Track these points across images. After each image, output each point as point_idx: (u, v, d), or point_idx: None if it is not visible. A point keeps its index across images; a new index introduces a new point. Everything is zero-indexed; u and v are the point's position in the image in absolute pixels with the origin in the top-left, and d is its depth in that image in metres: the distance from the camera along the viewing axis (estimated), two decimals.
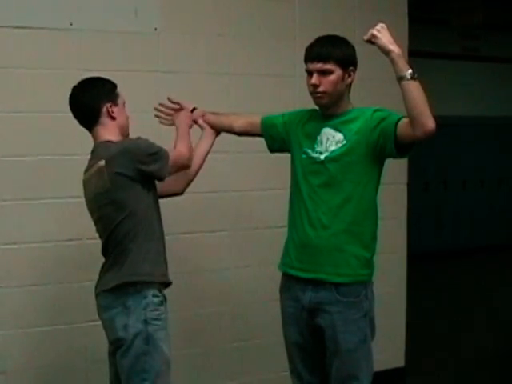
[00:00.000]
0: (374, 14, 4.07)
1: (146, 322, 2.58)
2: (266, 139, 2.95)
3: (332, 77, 2.64)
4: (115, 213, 2.61)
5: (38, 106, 3.29)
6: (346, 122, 2.69)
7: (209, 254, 3.74)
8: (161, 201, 3.54)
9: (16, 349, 3.31)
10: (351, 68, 2.69)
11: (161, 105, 3.10)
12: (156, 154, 2.63)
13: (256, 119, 2.98)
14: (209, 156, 3.67)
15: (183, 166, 2.80)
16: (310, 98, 2.74)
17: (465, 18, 7.40)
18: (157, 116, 3.11)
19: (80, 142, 3.37)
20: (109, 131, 2.71)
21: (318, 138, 2.71)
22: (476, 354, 4.93)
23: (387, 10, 4.14)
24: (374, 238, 2.74)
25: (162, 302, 2.65)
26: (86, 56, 3.35)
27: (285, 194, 2.92)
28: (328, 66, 2.63)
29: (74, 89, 2.74)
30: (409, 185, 4.33)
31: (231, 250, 3.81)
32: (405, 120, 2.54)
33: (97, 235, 3.43)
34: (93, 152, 2.72)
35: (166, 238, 3.58)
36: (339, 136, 2.67)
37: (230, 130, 3.06)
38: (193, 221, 3.67)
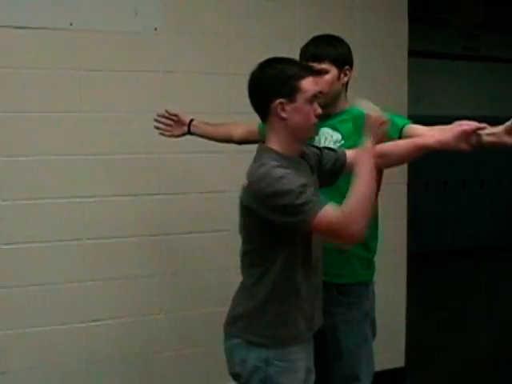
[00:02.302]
0: (374, 14, 4.10)
1: (267, 360, 2.23)
2: None
3: (327, 76, 2.65)
4: None
5: (38, 106, 3.29)
6: (344, 122, 2.69)
7: (209, 254, 3.74)
8: (159, 200, 3.57)
9: (16, 349, 3.31)
10: (347, 67, 2.69)
11: (160, 116, 3.10)
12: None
13: (254, 127, 2.98)
14: (209, 156, 3.69)
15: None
16: None
17: (465, 18, 7.40)
18: (157, 127, 3.11)
19: (80, 142, 3.39)
20: (275, 133, 2.24)
21: (316, 138, 2.71)
22: (476, 354, 4.93)
23: (387, 10, 4.14)
24: (374, 238, 2.74)
25: (291, 343, 2.28)
26: (86, 56, 3.35)
27: None
28: (323, 66, 2.64)
29: (252, 72, 2.29)
30: (409, 185, 4.32)
31: (231, 250, 3.79)
32: (410, 126, 2.54)
33: (96, 235, 3.45)
34: (257, 150, 2.31)
35: (166, 237, 3.61)
36: (337, 135, 2.68)
37: (229, 140, 3.08)
38: (193, 221, 3.67)
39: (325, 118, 2.72)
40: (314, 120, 2.26)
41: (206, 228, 3.71)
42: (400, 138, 2.54)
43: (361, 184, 2.12)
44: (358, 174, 2.15)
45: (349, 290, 2.67)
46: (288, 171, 2.13)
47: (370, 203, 2.11)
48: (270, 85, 2.20)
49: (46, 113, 3.31)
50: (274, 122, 2.23)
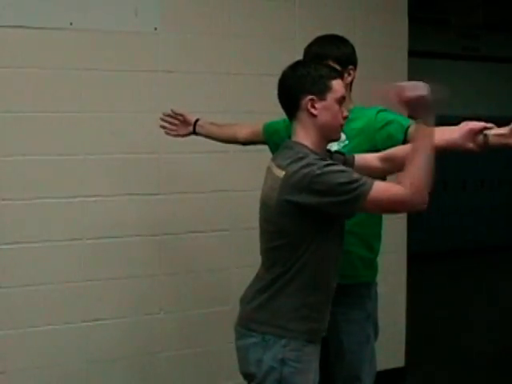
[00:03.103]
0: (374, 14, 4.10)
1: (282, 361, 2.22)
2: (269, 146, 2.95)
3: None
4: None
5: (38, 106, 3.29)
6: (348, 122, 2.67)
7: (209, 254, 3.74)
8: (159, 200, 3.57)
9: (16, 349, 3.30)
10: (351, 67, 2.68)
11: (165, 115, 3.10)
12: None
13: (258, 128, 2.98)
14: (208, 156, 3.68)
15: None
16: None
17: (465, 18, 7.40)
18: (162, 127, 3.11)
19: (80, 141, 3.39)
20: (304, 130, 2.27)
21: None
22: (476, 354, 4.93)
23: (387, 10, 4.14)
24: (377, 238, 2.74)
25: (309, 339, 2.28)
26: (86, 56, 3.35)
27: None
28: (325, 64, 2.63)
29: (284, 71, 2.32)
30: None
31: (231, 250, 3.80)
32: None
33: (96, 235, 3.45)
34: (286, 147, 2.32)
35: (167, 237, 3.61)
36: (341, 136, 2.67)
37: (234, 141, 3.08)
38: (193, 221, 3.67)
39: None
40: (342, 121, 2.31)
41: (206, 228, 3.71)
42: (405, 137, 2.53)
43: (421, 156, 2.15)
44: (417, 147, 2.16)
45: (351, 291, 2.66)
46: (330, 162, 2.18)
47: (430, 174, 2.17)
48: (302, 82, 2.25)
49: (46, 113, 3.31)
50: (303, 118, 2.26)
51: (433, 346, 5.07)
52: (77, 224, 3.39)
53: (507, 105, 8.24)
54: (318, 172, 2.11)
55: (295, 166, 2.16)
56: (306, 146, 2.25)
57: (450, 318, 5.88)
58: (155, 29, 3.52)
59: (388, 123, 2.59)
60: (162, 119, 3.11)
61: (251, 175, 3.81)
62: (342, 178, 2.11)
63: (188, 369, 3.69)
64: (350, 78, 2.69)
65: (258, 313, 2.28)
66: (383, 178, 2.45)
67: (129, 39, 3.46)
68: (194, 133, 3.10)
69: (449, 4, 7.32)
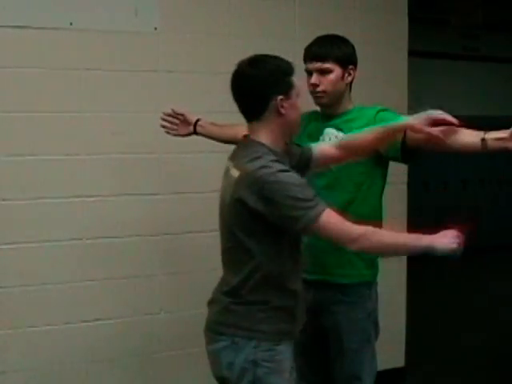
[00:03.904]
0: (374, 14, 4.10)
1: (255, 362, 2.20)
2: None
3: (331, 76, 2.64)
4: None
5: (38, 106, 3.29)
6: (348, 122, 2.69)
7: (209, 254, 3.73)
8: (159, 200, 3.56)
9: (16, 349, 3.30)
10: (351, 67, 2.68)
11: (166, 114, 3.10)
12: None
13: None
14: (208, 156, 3.68)
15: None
16: (310, 98, 2.74)
17: (465, 18, 7.40)
18: (163, 126, 3.11)
19: (80, 141, 3.39)
20: (269, 130, 2.23)
21: (321, 138, 2.71)
22: (476, 354, 4.93)
23: (387, 9, 4.14)
24: None
25: (280, 339, 2.27)
26: (86, 56, 3.35)
27: None
28: (327, 65, 2.63)
29: (240, 68, 2.25)
30: (409, 185, 4.32)
31: None
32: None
33: (96, 235, 3.45)
34: (244, 147, 2.30)
35: (167, 237, 3.60)
36: (341, 136, 2.67)
37: (235, 141, 3.06)
38: (193, 221, 3.67)
39: (329, 118, 2.73)
40: (300, 117, 2.32)
41: (205, 228, 3.70)
42: (405, 137, 2.53)
43: (400, 246, 2.24)
44: (408, 240, 2.27)
45: (352, 290, 2.67)
46: (287, 167, 2.16)
47: (386, 254, 2.22)
48: (270, 81, 2.19)
49: (46, 113, 3.31)
50: (270, 118, 2.22)
51: (433, 346, 5.07)
52: (77, 224, 3.39)
53: (507, 105, 8.24)
54: (272, 179, 2.09)
55: (250, 167, 2.14)
56: (264, 145, 2.22)
57: (450, 318, 5.87)
58: (155, 29, 3.52)
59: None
60: (163, 118, 3.11)
61: None
62: (295, 192, 2.09)
63: (188, 369, 3.69)
64: (350, 78, 2.70)
65: (225, 316, 2.27)
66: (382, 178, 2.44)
67: (129, 39, 3.46)
68: (195, 133, 3.10)
69: (449, 4, 7.32)
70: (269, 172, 2.10)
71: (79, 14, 3.33)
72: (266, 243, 2.19)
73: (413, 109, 4.16)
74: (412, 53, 4.33)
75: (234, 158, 2.32)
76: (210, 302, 2.38)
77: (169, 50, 3.56)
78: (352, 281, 2.67)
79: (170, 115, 3.10)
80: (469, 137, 2.38)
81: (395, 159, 2.64)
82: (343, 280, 2.66)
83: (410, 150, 2.56)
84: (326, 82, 2.64)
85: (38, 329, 3.34)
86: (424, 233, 2.23)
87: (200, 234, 3.69)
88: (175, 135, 3.12)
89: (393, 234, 2.20)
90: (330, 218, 2.11)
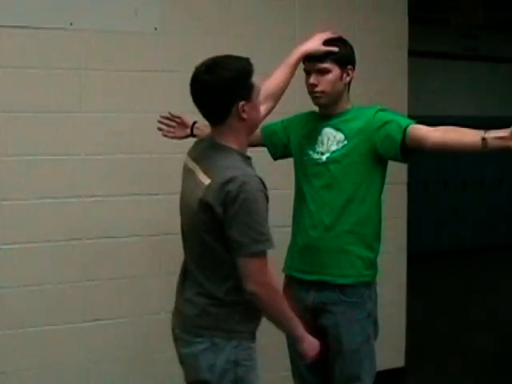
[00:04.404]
0: (374, 14, 4.10)
1: (236, 362, 2.22)
2: (268, 147, 2.95)
3: (330, 76, 2.64)
4: None
5: (38, 106, 3.29)
6: (347, 121, 2.69)
7: None
8: (159, 200, 3.56)
9: (16, 349, 3.30)
10: (349, 67, 2.68)
11: (162, 117, 3.10)
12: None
13: (258, 130, 2.98)
14: None
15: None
16: (309, 98, 2.74)
17: (465, 18, 7.40)
18: (160, 129, 3.11)
19: (80, 141, 3.39)
20: (234, 133, 2.25)
21: (319, 138, 2.71)
22: (476, 354, 4.93)
23: (387, 10, 4.14)
24: (377, 238, 2.74)
25: (254, 337, 2.31)
26: (86, 56, 3.35)
27: (285, 195, 2.91)
28: (325, 65, 2.63)
29: (199, 73, 2.25)
30: (409, 185, 4.32)
31: None
32: (414, 126, 2.54)
33: (96, 235, 3.45)
34: (210, 148, 2.29)
35: (167, 237, 3.60)
36: (340, 136, 2.67)
37: None
38: None
39: (327, 118, 2.73)
40: (260, 116, 2.38)
41: None
42: (404, 138, 2.53)
43: (287, 317, 2.28)
44: (294, 318, 2.29)
45: (352, 291, 2.67)
46: (263, 188, 2.21)
47: (271, 313, 2.24)
48: (231, 88, 2.20)
49: (46, 113, 3.31)
50: (232, 123, 2.23)
51: (433, 346, 5.08)
52: (77, 224, 3.39)
53: (507, 105, 8.24)
54: (243, 196, 2.11)
55: (223, 177, 2.14)
56: (232, 149, 2.24)
57: (449, 318, 5.88)
58: (155, 29, 3.52)
59: (386, 123, 2.59)
60: (160, 121, 3.11)
61: None
62: (257, 223, 2.14)
63: None
64: (348, 78, 2.70)
65: (203, 318, 2.25)
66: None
67: (129, 39, 3.46)
68: (192, 135, 3.10)
69: (449, 4, 7.31)
70: (243, 188, 2.12)
71: (79, 14, 3.33)
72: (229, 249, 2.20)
73: (413, 109, 4.20)
74: (412, 53, 4.33)
75: (198, 160, 2.31)
76: (182, 303, 2.34)
77: (169, 49, 3.56)
78: (351, 281, 2.67)
79: (166, 118, 3.09)
80: (469, 136, 2.38)
81: (394, 159, 2.64)
82: (343, 280, 2.66)
83: (408, 149, 2.56)
84: (325, 82, 2.64)
85: (38, 329, 3.34)
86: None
87: None
88: (172, 138, 3.11)
89: (288, 308, 2.26)
90: (262, 261, 2.17)
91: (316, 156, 2.70)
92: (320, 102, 2.70)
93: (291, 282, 2.80)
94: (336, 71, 2.64)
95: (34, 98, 3.28)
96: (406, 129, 2.53)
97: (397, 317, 4.29)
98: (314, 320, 2.72)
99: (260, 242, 2.15)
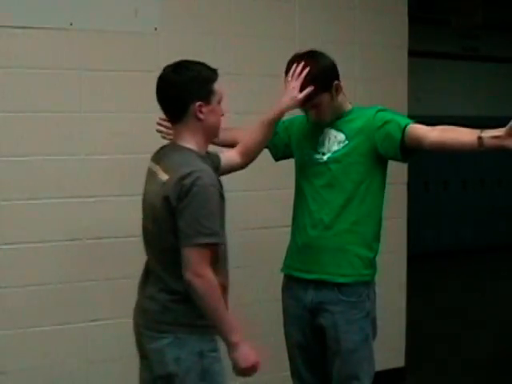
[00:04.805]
0: (374, 14, 4.10)
1: (201, 354, 2.30)
2: (269, 149, 2.95)
3: (323, 105, 2.65)
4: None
5: (38, 106, 3.29)
6: (347, 122, 2.69)
7: None
8: None
9: (16, 349, 3.30)
10: (335, 83, 2.65)
11: (162, 119, 3.09)
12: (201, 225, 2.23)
13: None
14: None
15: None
16: None
17: (465, 18, 7.40)
18: (159, 131, 3.10)
19: (80, 141, 3.39)
20: (191, 133, 2.37)
21: (320, 138, 2.72)
22: (476, 354, 4.93)
23: (387, 10, 4.14)
24: (377, 237, 2.75)
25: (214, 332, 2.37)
26: (86, 56, 3.35)
27: (285, 194, 2.92)
28: (315, 102, 2.63)
29: (165, 72, 2.42)
30: (409, 185, 4.33)
31: (231, 250, 3.79)
32: (413, 126, 2.55)
33: (96, 235, 3.45)
34: (170, 150, 2.42)
35: None
36: (341, 136, 2.68)
37: (234, 145, 3.06)
38: None
39: (330, 121, 2.73)
40: (220, 123, 2.44)
41: None
42: (403, 137, 2.54)
43: (220, 313, 2.27)
44: (230, 318, 2.31)
45: (350, 290, 2.67)
46: (216, 184, 2.30)
47: (205, 304, 2.25)
48: (189, 87, 2.33)
49: (46, 113, 3.31)
50: (190, 122, 2.35)
51: (433, 346, 5.08)
52: (77, 224, 3.39)
53: (507, 105, 8.24)
54: (195, 190, 2.21)
55: (181, 172, 2.24)
56: (191, 150, 2.34)
57: (449, 318, 5.88)
58: (155, 29, 3.52)
59: (386, 122, 2.60)
60: (159, 123, 3.10)
61: (250, 175, 3.81)
62: (206, 217, 2.23)
63: None
64: (339, 91, 2.66)
65: (165, 314, 2.33)
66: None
67: (129, 39, 3.46)
68: None
69: (449, 4, 7.32)
70: (197, 182, 2.21)
71: (79, 14, 3.33)
72: None
73: (413, 109, 4.20)
74: (412, 53, 4.33)
75: (159, 160, 2.41)
76: (144, 299, 2.43)
77: (169, 50, 3.56)
78: (350, 280, 2.67)
79: (165, 120, 3.09)
80: (466, 135, 2.40)
81: (394, 158, 2.64)
82: (341, 279, 2.66)
83: (408, 148, 2.57)
84: (322, 112, 2.67)
85: (38, 329, 3.34)
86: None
87: None
88: (171, 140, 3.11)
89: (224, 306, 2.29)
90: (204, 253, 2.23)
91: (317, 156, 2.71)
92: (326, 121, 2.71)
93: (290, 281, 2.81)
94: (326, 97, 2.64)
95: (34, 98, 3.28)
96: (405, 128, 2.54)
97: (397, 317, 4.29)
98: (313, 319, 2.73)
99: (204, 234, 2.22)
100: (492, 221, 8.69)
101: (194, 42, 3.61)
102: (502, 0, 7.33)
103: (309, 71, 2.59)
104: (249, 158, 2.70)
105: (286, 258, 2.85)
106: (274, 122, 2.68)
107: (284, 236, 2.87)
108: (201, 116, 2.33)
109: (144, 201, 2.45)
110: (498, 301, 6.45)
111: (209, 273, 2.24)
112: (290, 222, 2.86)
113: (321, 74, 2.62)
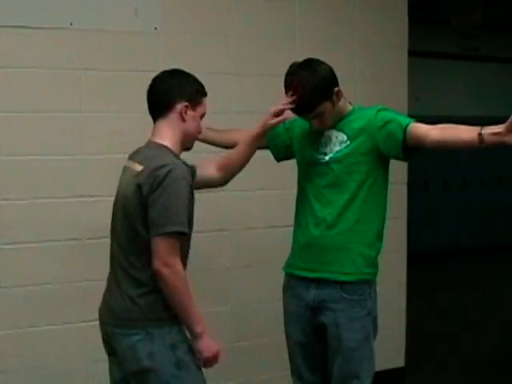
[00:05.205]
0: (374, 14, 4.10)
1: (173, 346, 2.35)
2: (271, 150, 2.96)
3: (325, 114, 2.65)
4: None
5: (38, 106, 3.29)
6: (349, 122, 2.70)
7: (208, 254, 3.74)
8: None
9: (16, 349, 3.31)
10: (335, 90, 2.65)
11: None
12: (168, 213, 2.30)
13: None
14: (207, 156, 3.67)
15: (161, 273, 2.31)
16: None
17: (465, 18, 7.40)
18: None
19: (80, 141, 3.39)
20: (171, 131, 2.45)
21: (322, 139, 2.72)
22: (476, 354, 4.93)
23: (387, 9, 4.14)
24: (379, 236, 2.75)
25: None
26: (86, 56, 3.35)
27: (285, 194, 2.92)
28: (316, 112, 2.63)
29: (161, 73, 2.56)
30: (409, 185, 4.33)
31: (231, 250, 3.80)
32: (414, 125, 2.55)
33: (96, 235, 3.45)
34: (146, 147, 2.49)
35: None
36: (342, 136, 2.68)
37: (234, 147, 3.06)
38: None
39: None
40: (198, 135, 2.55)
41: (205, 228, 3.70)
42: (404, 136, 2.54)
43: (187, 303, 2.33)
44: (195, 309, 2.35)
45: (352, 288, 2.67)
46: (188, 177, 2.38)
47: (173, 293, 2.31)
48: (182, 87, 2.47)
49: (46, 113, 3.31)
50: (172, 120, 2.45)
51: (433, 346, 5.08)
52: (77, 224, 3.39)
53: (507, 105, 8.25)
54: (168, 180, 2.28)
55: (155, 163, 2.32)
56: (167, 148, 2.42)
57: (450, 318, 5.88)
58: (155, 29, 3.52)
59: (387, 122, 2.60)
60: None
61: (250, 175, 3.81)
62: (176, 207, 2.29)
63: None
64: (339, 96, 2.66)
65: (133, 311, 2.37)
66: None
67: (129, 39, 3.46)
68: None
69: (449, 4, 7.32)
70: (171, 173, 2.29)
71: (79, 14, 3.33)
72: None
73: (413, 109, 4.20)
74: (412, 53, 4.33)
75: (134, 156, 2.51)
76: (113, 300, 2.47)
77: (169, 49, 3.56)
78: (352, 278, 2.67)
79: None
80: (466, 133, 2.42)
81: (396, 157, 2.65)
82: (344, 278, 2.67)
83: (410, 147, 2.57)
84: (325, 120, 2.67)
85: (38, 329, 3.34)
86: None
87: (199, 233, 3.67)
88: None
89: (191, 301, 2.34)
90: (173, 243, 2.30)
91: (319, 156, 2.71)
92: (329, 127, 2.71)
93: (291, 280, 2.81)
94: (327, 105, 2.63)
95: (34, 98, 3.28)
96: (406, 128, 2.55)
97: (397, 317, 4.29)
98: (314, 318, 2.73)
99: (174, 223, 2.28)
100: (492, 220, 8.70)
101: (193, 42, 3.61)
102: (502, 0, 7.33)
103: (308, 84, 2.58)
104: (229, 173, 2.74)
105: (288, 257, 2.85)
106: (258, 138, 2.71)
107: (285, 236, 2.87)
108: (184, 116, 2.43)
109: (116, 195, 2.50)
110: (498, 301, 6.45)
111: (178, 263, 2.30)
112: (291, 221, 2.86)
113: (321, 84, 2.60)
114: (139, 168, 2.37)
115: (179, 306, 2.31)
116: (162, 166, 2.30)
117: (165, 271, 2.28)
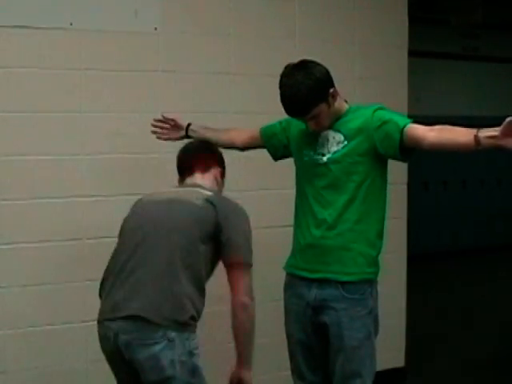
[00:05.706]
0: (374, 14, 4.10)
1: (190, 353, 2.42)
2: (268, 149, 2.95)
3: (322, 115, 2.63)
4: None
5: (38, 106, 3.29)
6: (345, 122, 2.69)
7: None
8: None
9: (16, 349, 3.31)
10: (331, 91, 2.63)
11: (156, 120, 3.10)
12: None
13: (256, 132, 2.99)
14: None
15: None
16: None
17: (465, 18, 7.41)
18: (153, 132, 3.11)
19: (80, 141, 3.39)
20: (214, 183, 2.79)
21: (319, 139, 2.71)
22: (476, 354, 4.93)
23: (387, 10, 4.14)
24: (379, 236, 2.75)
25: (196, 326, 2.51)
26: (86, 56, 3.35)
27: (285, 194, 2.92)
28: (312, 114, 2.61)
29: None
30: (409, 185, 4.33)
31: None
32: (411, 126, 2.55)
33: (96, 235, 3.45)
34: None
35: None
36: (339, 136, 2.67)
37: (231, 146, 3.06)
38: None
39: None
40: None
41: None
42: (401, 137, 2.54)
43: (252, 341, 2.59)
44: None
45: (354, 287, 2.67)
46: None
47: (249, 329, 2.57)
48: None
49: (46, 113, 3.31)
50: (216, 175, 2.80)
51: (433, 346, 5.08)
52: (77, 224, 3.39)
53: (507, 105, 8.25)
54: (240, 209, 2.71)
55: (226, 200, 2.66)
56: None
57: (449, 318, 5.88)
58: (155, 29, 3.52)
59: (384, 123, 2.60)
60: (153, 125, 3.11)
61: (249, 175, 3.82)
62: (249, 234, 2.63)
63: None
64: (335, 97, 2.64)
65: (161, 308, 2.41)
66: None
67: (129, 39, 3.46)
68: (187, 136, 3.10)
69: (449, 4, 7.32)
70: (243, 212, 2.66)
71: (79, 14, 3.33)
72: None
73: (413, 109, 4.20)
74: (412, 53, 4.33)
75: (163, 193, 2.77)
76: (136, 306, 2.44)
77: (169, 49, 3.56)
78: (354, 278, 2.67)
79: (160, 121, 3.10)
80: (462, 135, 2.42)
81: (394, 157, 2.65)
82: (345, 278, 2.67)
83: (407, 148, 2.57)
84: (321, 121, 2.65)
85: (38, 329, 3.34)
86: None
87: None
88: (166, 139, 3.13)
89: (249, 337, 2.56)
90: (249, 274, 2.59)
91: (317, 157, 2.70)
92: (326, 128, 2.70)
93: (292, 279, 2.81)
94: (324, 107, 2.61)
95: (33, 98, 3.28)
96: (403, 129, 2.54)
97: (397, 317, 4.29)
98: (315, 317, 2.73)
99: (250, 250, 2.65)
100: (491, 221, 8.70)
101: (193, 42, 3.61)
102: (502, 0, 7.34)
103: (306, 85, 2.56)
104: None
105: (289, 257, 2.85)
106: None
107: (285, 236, 2.87)
108: (220, 180, 2.83)
109: (148, 202, 2.75)
110: (498, 301, 6.45)
111: (253, 298, 2.57)
112: (291, 221, 2.86)
113: (316, 85, 2.58)
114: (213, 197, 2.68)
115: (248, 337, 2.51)
116: (225, 197, 2.76)
117: (251, 304, 2.52)
